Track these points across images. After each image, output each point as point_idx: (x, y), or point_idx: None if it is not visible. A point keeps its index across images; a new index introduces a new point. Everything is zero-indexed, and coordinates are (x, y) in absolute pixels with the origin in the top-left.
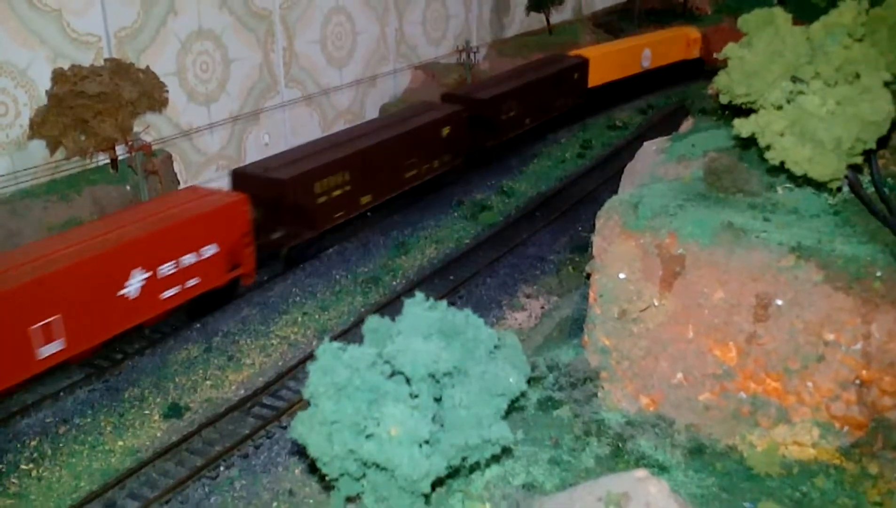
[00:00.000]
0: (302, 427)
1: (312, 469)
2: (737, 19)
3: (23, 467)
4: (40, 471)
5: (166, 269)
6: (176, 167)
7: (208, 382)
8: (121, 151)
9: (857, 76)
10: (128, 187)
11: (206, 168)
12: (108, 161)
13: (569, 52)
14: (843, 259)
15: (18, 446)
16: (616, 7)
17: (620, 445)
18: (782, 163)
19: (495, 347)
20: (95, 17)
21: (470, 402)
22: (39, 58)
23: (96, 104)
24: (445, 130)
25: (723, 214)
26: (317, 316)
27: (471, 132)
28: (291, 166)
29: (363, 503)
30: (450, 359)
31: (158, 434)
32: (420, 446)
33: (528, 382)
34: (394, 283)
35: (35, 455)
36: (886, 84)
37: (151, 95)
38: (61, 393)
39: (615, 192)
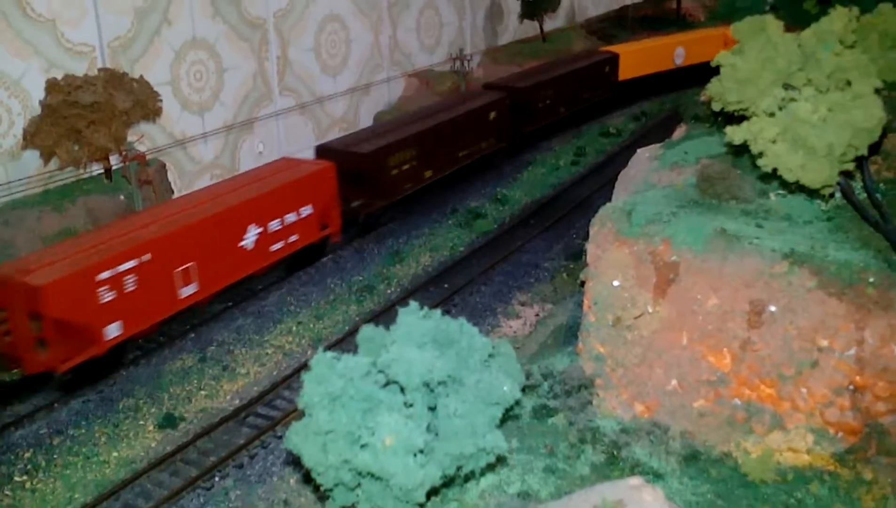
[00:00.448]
0: (296, 438)
1: (307, 479)
2: (730, 26)
3: (17, 479)
4: (34, 483)
5: (274, 225)
6: (170, 176)
7: (203, 392)
8: (115, 160)
9: (849, 83)
10: (122, 197)
11: (200, 177)
12: (101, 171)
13: (601, 48)
14: (837, 265)
15: (12, 457)
16: (609, 14)
17: (615, 452)
18: (775, 170)
19: (490, 355)
20: (89, 27)
21: (464, 411)
22: (33, 68)
23: (90, 114)
24: (492, 115)
25: (716, 220)
26: (311, 325)
27: (514, 118)
28: (370, 142)
29: None
30: (444, 368)
31: (153, 445)
32: (415, 455)
33: (523, 390)
34: (388, 291)
35: (29, 466)
36: (877, 91)
37: (145, 104)
38: (55, 404)
39: (609, 199)
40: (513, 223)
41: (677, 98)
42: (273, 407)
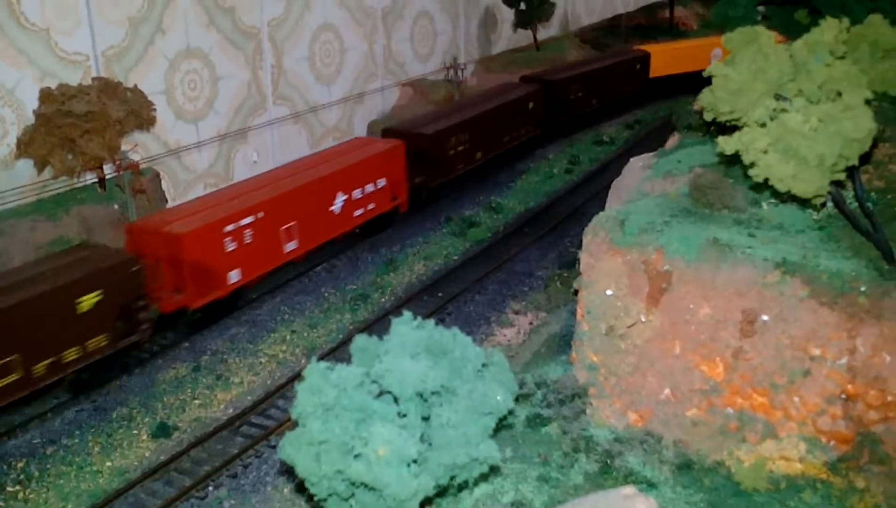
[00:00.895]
0: (290, 448)
1: (301, 489)
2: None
3: (9, 489)
4: (27, 493)
5: (357, 194)
6: (164, 185)
7: (197, 401)
8: (108, 170)
9: (839, 94)
10: (116, 206)
11: (194, 186)
12: (95, 180)
13: (637, 47)
14: (828, 274)
15: (5, 468)
16: (602, 23)
17: (609, 461)
18: (766, 180)
19: (483, 365)
20: (83, 36)
21: (458, 421)
22: (27, 77)
23: (84, 123)
24: (531, 105)
25: (708, 230)
26: (305, 334)
27: (548, 108)
28: (431, 125)
29: None
30: (437, 378)
31: (147, 454)
32: (408, 465)
33: (517, 399)
34: (382, 300)
35: (22, 476)
36: (868, 101)
37: (139, 113)
38: (49, 414)
39: (603, 207)
40: (507, 232)
41: (671, 106)
42: (267, 416)
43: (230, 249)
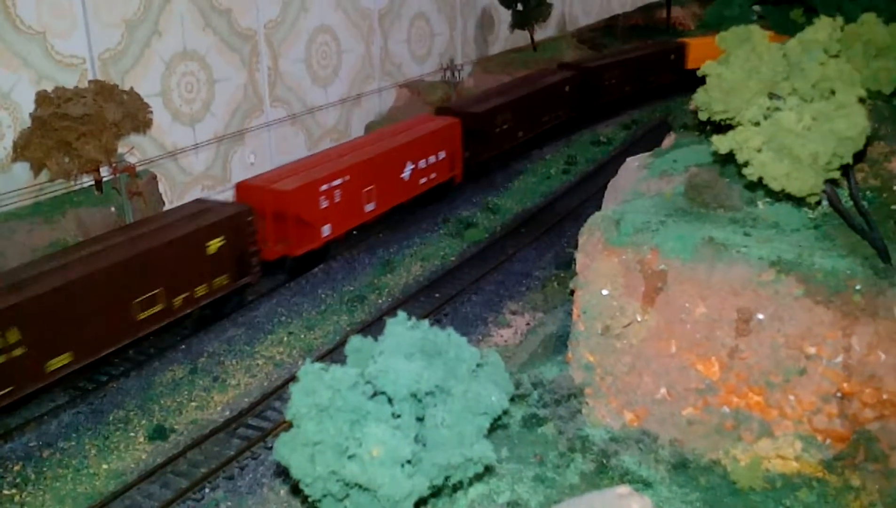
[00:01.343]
0: (284, 449)
1: (296, 490)
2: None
3: (5, 492)
4: (23, 496)
5: (422, 164)
6: (161, 188)
7: (193, 403)
8: (105, 172)
9: (833, 92)
10: (112, 209)
11: (191, 188)
12: (92, 183)
13: (679, 40)
14: (823, 273)
15: (1, 471)
16: (599, 24)
17: (605, 461)
18: (760, 179)
19: (478, 365)
20: (79, 39)
21: (452, 421)
22: (23, 80)
23: (80, 126)
24: (567, 89)
25: (704, 229)
26: (302, 336)
27: (582, 93)
28: (482, 104)
29: None
30: (432, 378)
31: (143, 457)
32: (402, 466)
33: (512, 399)
34: (379, 301)
35: (18, 480)
36: (861, 100)
37: (135, 116)
38: (45, 417)
39: (600, 207)
40: (504, 232)
41: (667, 106)
42: (264, 418)
43: (323, 206)
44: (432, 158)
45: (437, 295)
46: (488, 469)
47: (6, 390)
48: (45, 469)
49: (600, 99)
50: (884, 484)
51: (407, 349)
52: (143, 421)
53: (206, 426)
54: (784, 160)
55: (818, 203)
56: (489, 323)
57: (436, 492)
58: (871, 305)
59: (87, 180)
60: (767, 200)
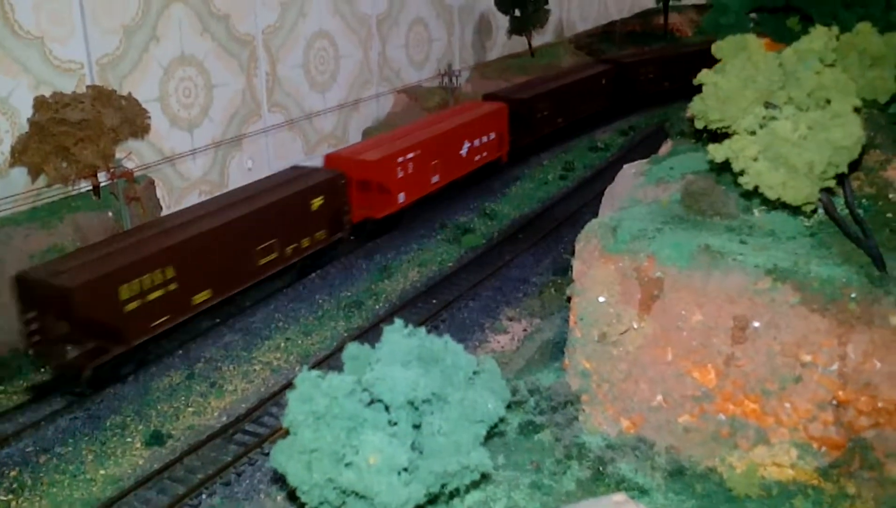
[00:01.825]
0: (281, 456)
1: (293, 497)
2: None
3: (2, 498)
4: (20, 502)
5: (476, 143)
6: (159, 193)
7: (190, 409)
8: (103, 177)
9: (829, 101)
10: (110, 214)
11: (189, 193)
12: (90, 188)
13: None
14: (819, 281)
15: None
16: (597, 30)
17: (601, 468)
18: (756, 187)
19: (474, 373)
20: (77, 44)
21: (449, 429)
22: (21, 85)
23: (78, 131)
24: (604, 81)
25: (700, 236)
26: (300, 341)
27: (617, 86)
28: (526, 92)
29: None
30: (428, 386)
31: (140, 462)
32: (399, 473)
33: (509, 406)
34: (377, 307)
35: (15, 485)
36: (857, 109)
37: (133, 121)
38: (42, 422)
39: (597, 214)
40: (501, 238)
41: (665, 113)
42: (260, 424)
43: (400, 175)
44: (485, 138)
45: (434, 301)
46: (485, 477)
47: (163, 318)
48: (41, 474)
49: (635, 92)
50: (879, 492)
51: (404, 357)
52: (140, 427)
53: (204, 431)
54: (780, 169)
55: (814, 211)
56: (486, 329)
57: (432, 500)
58: (866, 313)
59: (85, 186)
60: (763, 208)
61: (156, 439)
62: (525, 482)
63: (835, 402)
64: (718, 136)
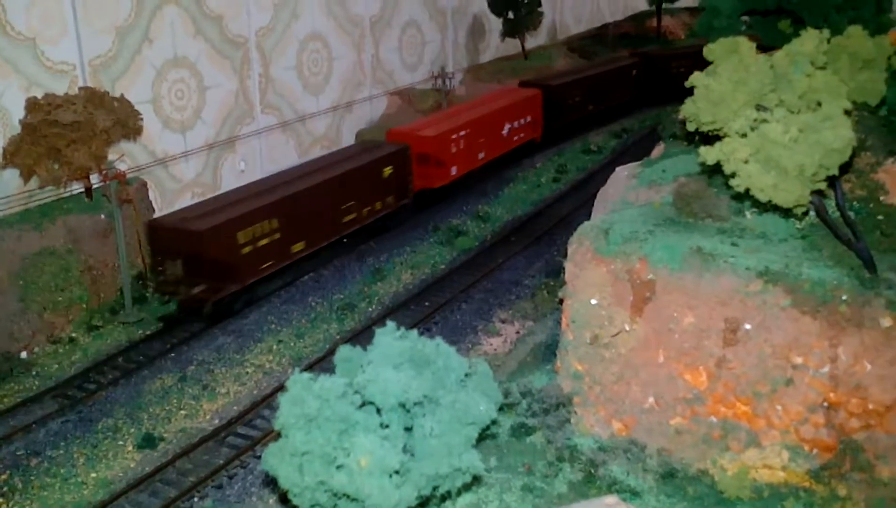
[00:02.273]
0: (273, 459)
1: (285, 500)
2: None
3: None
4: (11, 506)
5: (515, 124)
6: (151, 195)
7: (182, 411)
8: (95, 179)
9: (819, 104)
10: (102, 216)
11: (181, 195)
12: (82, 190)
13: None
14: (810, 283)
15: None
16: (590, 32)
17: (593, 471)
18: (747, 190)
19: (466, 375)
20: (69, 45)
21: (440, 431)
22: (13, 87)
23: (70, 133)
24: (634, 72)
25: (692, 239)
26: (292, 344)
27: (644, 78)
28: (557, 79)
29: None
30: (420, 388)
31: (132, 465)
32: (390, 476)
33: (502, 408)
34: (369, 309)
35: (5, 489)
36: (847, 112)
37: (126, 123)
38: (33, 425)
39: (590, 216)
40: (494, 241)
41: (658, 115)
42: (253, 427)
43: (452, 151)
44: (522, 121)
45: (426, 303)
46: (477, 479)
47: (269, 262)
48: (32, 477)
49: (665, 86)
50: (870, 494)
51: (395, 359)
52: (132, 430)
53: (195, 434)
54: (771, 172)
55: (805, 214)
56: (479, 331)
57: (424, 502)
58: (857, 315)
59: (77, 188)
60: (755, 210)
61: (148, 442)
62: (517, 484)
63: (826, 404)
64: (710, 138)
